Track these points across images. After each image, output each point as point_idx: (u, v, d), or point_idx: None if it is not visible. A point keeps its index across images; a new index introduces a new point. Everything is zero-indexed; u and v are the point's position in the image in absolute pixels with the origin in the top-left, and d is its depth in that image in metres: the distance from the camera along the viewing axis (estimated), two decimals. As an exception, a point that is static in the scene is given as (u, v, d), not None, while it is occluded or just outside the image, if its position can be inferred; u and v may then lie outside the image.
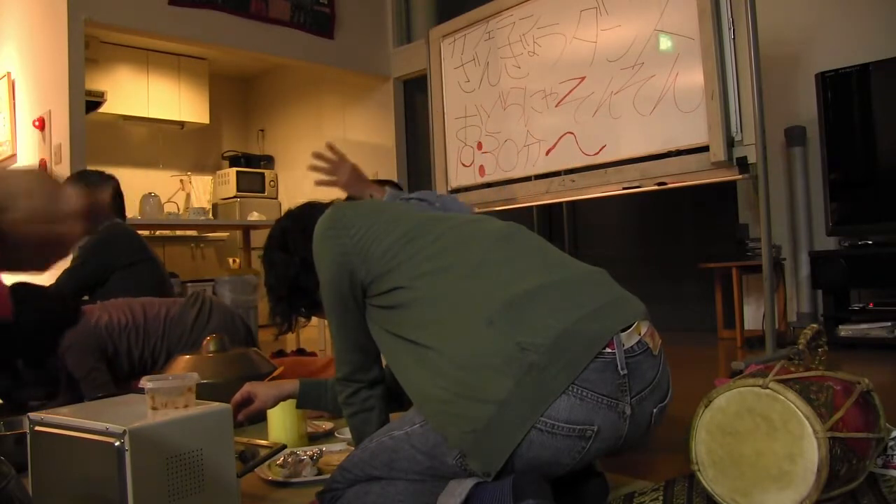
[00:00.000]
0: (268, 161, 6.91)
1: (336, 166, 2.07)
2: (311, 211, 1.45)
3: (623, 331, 1.07)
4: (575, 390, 1.01)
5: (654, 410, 1.11)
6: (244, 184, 6.45)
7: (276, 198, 6.63)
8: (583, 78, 3.29)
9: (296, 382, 1.60)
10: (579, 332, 1.04)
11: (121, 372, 2.38)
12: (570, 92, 3.34)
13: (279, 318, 1.48)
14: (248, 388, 1.60)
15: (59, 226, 0.66)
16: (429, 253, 1.17)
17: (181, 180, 6.54)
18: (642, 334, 1.10)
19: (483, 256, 1.16)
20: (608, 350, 1.04)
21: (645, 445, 1.18)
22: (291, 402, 1.83)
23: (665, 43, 2.98)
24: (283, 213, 1.57)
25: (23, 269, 0.67)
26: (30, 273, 0.68)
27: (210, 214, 6.27)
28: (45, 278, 2.50)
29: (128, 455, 1.02)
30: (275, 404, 1.62)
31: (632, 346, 1.07)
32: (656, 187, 3.03)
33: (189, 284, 4.74)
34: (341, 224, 1.24)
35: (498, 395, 1.00)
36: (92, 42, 5.22)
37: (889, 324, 3.11)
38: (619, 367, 1.04)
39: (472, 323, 1.06)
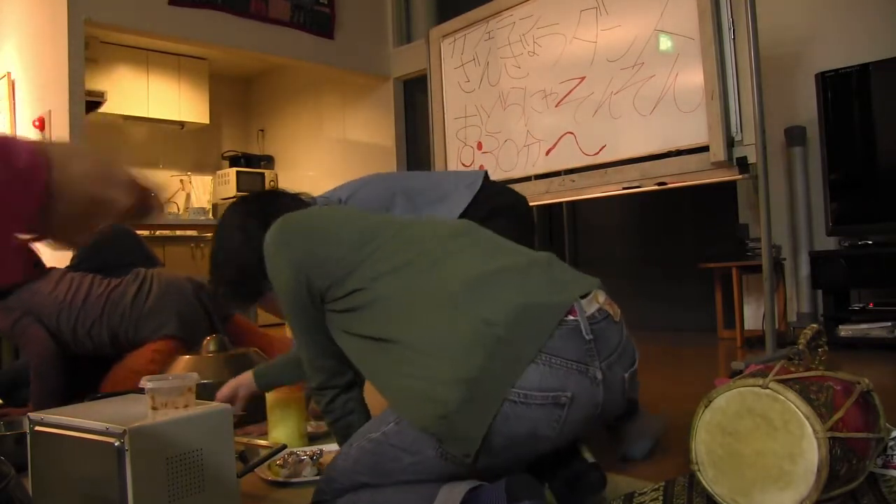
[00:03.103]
0: (268, 161, 6.91)
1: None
2: (275, 201, 1.44)
3: (582, 298, 1.10)
4: (544, 358, 1.02)
5: (626, 376, 1.13)
6: (244, 184, 6.45)
7: (276, 198, 6.62)
8: (583, 78, 3.29)
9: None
10: (541, 303, 1.07)
11: (66, 349, 2.31)
12: (570, 92, 3.34)
13: (223, 297, 1.49)
14: (232, 383, 1.71)
15: (110, 189, 0.66)
16: (385, 253, 1.18)
17: (181, 180, 6.53)
18: (601, 302, 1.13)
19: (441, 250, 1.18)
20: (571, 317, 1.06)
21: (622, 411, 1.18)
22: (292, 403, 1.83)
23: (665, 43, 2.98)
24: (247, 195, 1.54)
25: (67, 237, 0.66)
26: (71, 243, 0.67)
27: (210, 214, 6.26)
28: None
29: (128, 455, 1.02)
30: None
31: (593, 313, 1.10)
32: (656, 187, 3.03)
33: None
34: (291, 235, 1.25)
35: (468, 373, 1.01)
36: (92, 42, 5.21)
37: (889, 324, 3.11)
38: (585, 333, 1.06)
39: (436, 309, 1.09)
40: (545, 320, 1.05)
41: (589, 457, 1.24)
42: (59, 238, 0.66)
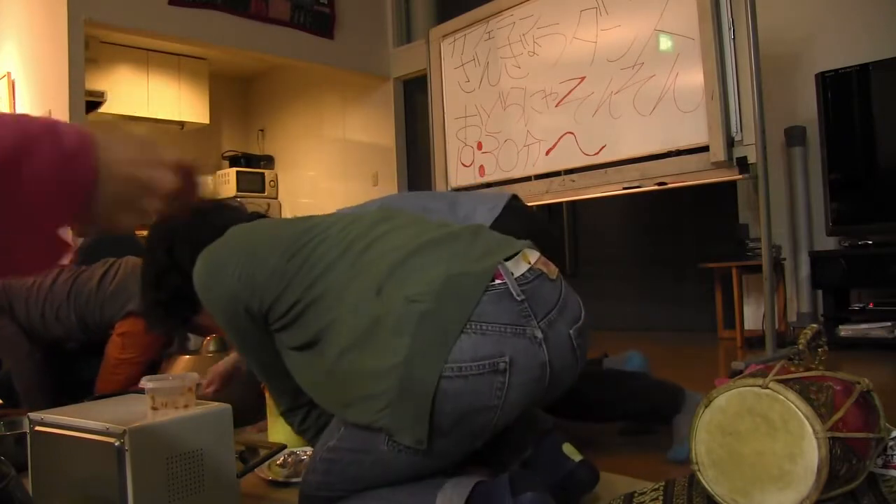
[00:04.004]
0: (268, 161, 6.91)
1: None
2: (203, 223, 1.36)
3: (507, 260, 1.08)
4: (473, 327, 1.00)
5: (571, 332, 1.10)
6: (244, 184, 6.45)
7: (276, 198, 6.63)
8: (583, 78, 3.29)
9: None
10: (464, 272, 1.05)
11: (36, 336, 2.30)
12: (570, 92, 3.34)
13: (155, 322, 1.44)
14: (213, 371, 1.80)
15: (155, 170, 0.66)
16: (313, 261, 1.15)
17: (181, 180, 6.53)
18: (532, 263, 1.11)
19: (364, 242, 1.16)
20: (498, 281, 1.05)
21: (581, 369, 1.15)
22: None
23: (665, 43, 2.98)
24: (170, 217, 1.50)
25: (113, 220, 0.66)
26: (118, 227, 0.67)
27: (210, 214, 6.25)
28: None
29: (128, 455, 1.02)
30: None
31: (523, 274, 1.08)
32: (656, 187, 3.03)
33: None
34: (217, 268, 1.21)
35: (396, 357, 0.99)
36: (92, 42, 5.21)
37: (889, 324, 3.11)
38: (515, 294, 1.04)
39: (361, 301, 1.07)
40: (470, 288, 1.03)
41: (575, 455, 1.23)
42: (105, 222, 0.66)
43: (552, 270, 1.14)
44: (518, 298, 1.04)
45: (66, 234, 0.64)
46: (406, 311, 1.01)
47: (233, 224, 1.32)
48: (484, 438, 1.09)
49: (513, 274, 1.07)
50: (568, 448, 1.24)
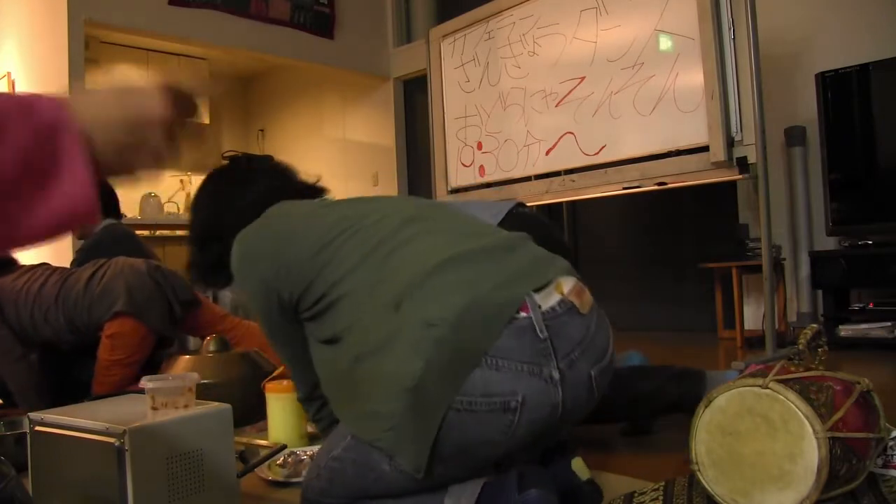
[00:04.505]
0: (268, 161, 6.91)
1: None
2: (247, 190, 1.38)
3: (539, 291, 1.02)
4: (489, 361, 0.95)
5: (592, 372, 1.05)
6: (244, 184, 6.45)
7: (276, 198, 6.63)
8: (583, 78, 3.29)
9: None
10: (488, 299, 0.99)
11: (27, 338, 2.30)
12: (570, 92, 3.34)
13: (197, 279, 1.46)
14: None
15: (139, 105, 0.64)
16: (339, 258, 1.14)
17: (181, 180, 6.53)
18: (565, 293, 1.04)
19: (389, 245, 1.12)
20: (522, 314, 0.99)
21: (591, 408, 1.11)
22: (292, 403, 1.83)
23: (665, 43, 2.98)
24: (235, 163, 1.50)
25: (126, 168, 0.64)
26: (134, 176, 0.65)
27: (210, 214, 6.26)
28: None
29: (128, 455, 1.02)
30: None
31: (552, 307, 1.02)
32: (656, 187, 3.03)
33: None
34: (252, 257, 1.23)
35: (407, 380, 0.96)
36: (92, 42, 5.21)
37: (889, 324, 3.11)
38: (538, 331, 0.98)
39: (379, 313, 1.04)
40: (491, 319, 0.97)
41: (583, 473, 1.21)
42: (118, 170, 0.64)
43: (585, 302, 1.07)
44: (541, 336, 0.99)
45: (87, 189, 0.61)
46: (422, 336, 0.97)
47: (276, 196, 1.34)
48: (486, 466, 1.07)
49: (540, 307, 1.01)
50: (577, 464, 1.21)
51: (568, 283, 1.07)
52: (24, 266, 2.47)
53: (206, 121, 6.53)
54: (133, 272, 2.33)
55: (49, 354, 2.38)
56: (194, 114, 0.69)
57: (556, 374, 0.99)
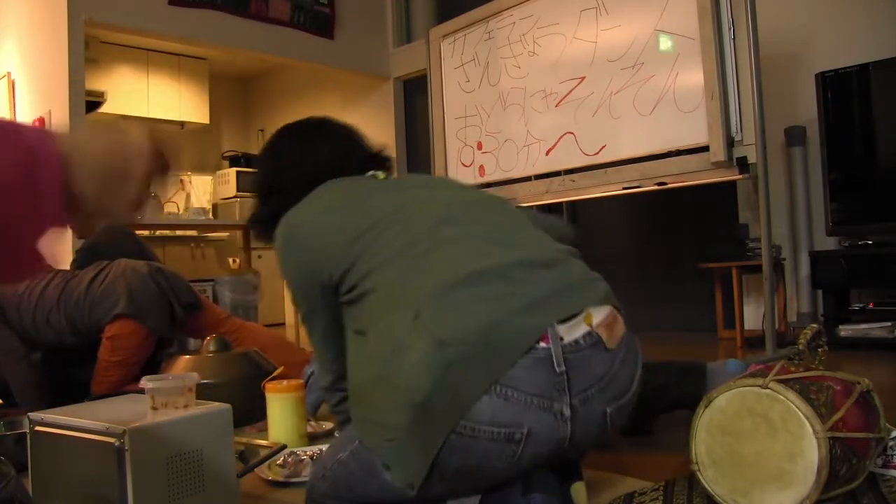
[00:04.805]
0: (268, 161, 6.91)
1: None
2: (309, 155, 1.40)
3: (565, 321, 0.97)
4: (498, 390, 0.92)
5: (608, 409, 1.01)
6: (244, 184, 6.46)
7: (276, 198, 6.62)
8: (583, 78, 3.29)
9: None
10: (506, 325, 0.95)
11: (28, 341, 2.32)
12: (570, 92, 3.34)
13: (255, 233, 1.48)
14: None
15: (125, 157, 0.66)
16: (374, 249, 1.14)
17: (181, 180, 6.53)
18: (594, 325, 1.00)
19: (424, 245, 1.10)
20: (542, 345, 0.95)
21: (601, 442, 1.09)
22: (292, 403, 1.83)
23: (665, 43, 2.98)
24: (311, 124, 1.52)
25: (102, 211, 0.66)
26: (108, 218, 0.68)
27: (210, 214, 6.27)
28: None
29: (128, 455, 1.02)
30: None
31: (575, 340, 0.97)
32: (656, 187, 3.03)
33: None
34: (295, 238, 1.24)
35: (414, 395, 0.93)
36: (92, 42, 5.21)
37: (889, 324, 3.11)
38: (555, 364, 0.95)
39: (399, 320, 1.01)
40: (507, 348, 0.93)
41: (580, 499, 1.15)
42: (94, 214, 0.66)
43: (614, 336, 1.01)
44: (557, 369, 0.95)
45: (58, 238, 0.64)
46: (435, 356, 0.93)
47: (338, 163, 1.35)
48: (487, 488, 1.05)
49: (562, 339, 0.96)
50: (577, 489, 1.16)
51: (599, 314, 1.02)
52: None
53: (206, 121, 6.54)
54: (134, 274, 2.34)
55: (51, 355, 2.39)
56: (167, 172, 0.72)
57: (566, 411, 0.96)
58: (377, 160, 1.50)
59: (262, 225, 1.43)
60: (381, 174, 1.39)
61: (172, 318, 2.37)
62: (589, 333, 0.99)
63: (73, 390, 2.30)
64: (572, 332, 0.98)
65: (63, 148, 0.62)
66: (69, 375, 2.40)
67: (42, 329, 2.30)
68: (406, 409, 0.94)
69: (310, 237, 1.22)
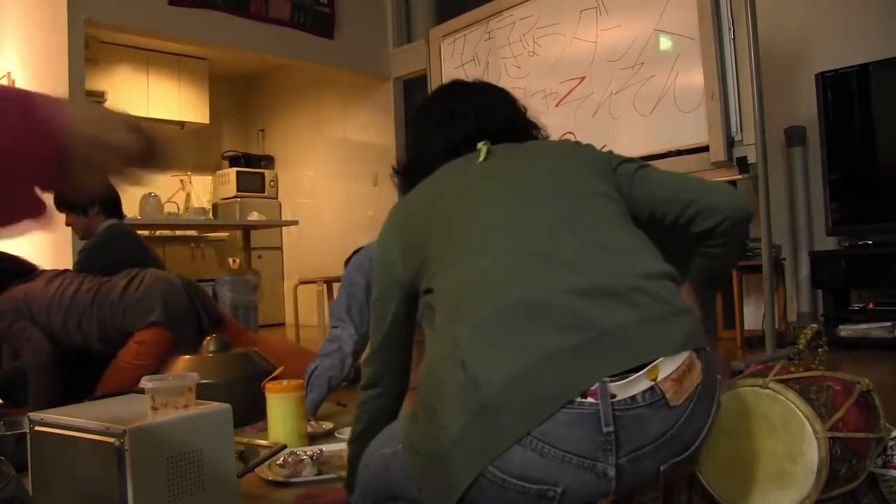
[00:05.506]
0: (268, 161, 6.91)
1: None
2: (438, 132, 1.36)
3: (622, 375, 0.83)
4: (532, 443, 0.81)
5: (662, 468, 0.88)
6: (244, 184, 6.46)
7: (276, 198, 6.63)
8: (583, 78, 3.29)
9: None
10: (545, 373, 0.83)
11: (54, 342, 2.35)
12: (570, 92, 3.34)
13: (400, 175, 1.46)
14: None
15: (117, 133, 0.70)
16: (439, 251, 1.09)
17: (181, 180, 6.53)
18: (658, 379, 0.84)
19: (479, 261, 1.01)
20: (589, 400, 0.82)
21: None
22: (292, 403, 1.83)
23: (665, 43, 2.98)
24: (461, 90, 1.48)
25: (82, 183, 0.70)
26: (86, 190, 0.71)
27: (210, 214, 6.27)
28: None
29: (128, 455, 1.02)
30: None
31: (632, 396, 0.83)
32: (656, 187, 3.03)
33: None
34: (390, 225, 1.21)
35: (448, 429, 0.86)
36: (92, 42, 5.21)
37: (889, 324, 3.11)
38: (603, 424, 0.82)
39: (444, 339, 0.95)
40: (542, 399, 0.82)
41: None
42: (75, 185, 0.70)
43: (682, 391, 0.85)
44: (604, 430, 0.82)
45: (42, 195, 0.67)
46: (468, 394, 0.85)
47: (476, 139, 1.26)
48: None
49: (615, 397, 0.82)
50: None
51: (669, 367, 0.85)
52: (47, 272, 2.51)
53: (207, 121, 6.54)
54: (169, 286, 2.40)
55: (77, 356, 2.41)
56: (156, 159, 0.75)
57: (611, 472, 0.83)
58: (527, 130, 1.48)
59: (402, 179, 1.43)
60: (483, 149, 1.22)
61: (200, 331, 2.41)
62: (650, 390, 0.84)
63: (73, 391, 2.31)
64: (628, 388, 0.83)
65: (68, 122, 0.66)
66: (68, 376, 2.41)
67: (72, 332, 2.34)
68: (438, 439, 0.88)
69: (407, 220, 1.19)
